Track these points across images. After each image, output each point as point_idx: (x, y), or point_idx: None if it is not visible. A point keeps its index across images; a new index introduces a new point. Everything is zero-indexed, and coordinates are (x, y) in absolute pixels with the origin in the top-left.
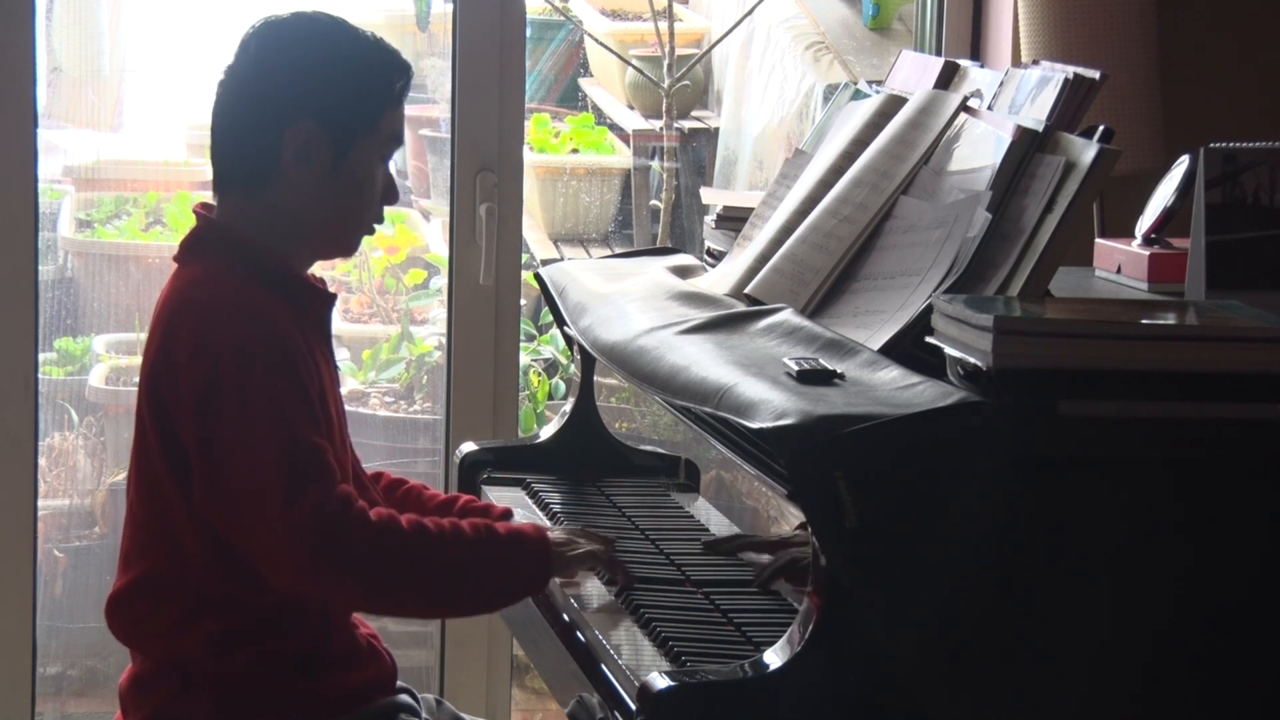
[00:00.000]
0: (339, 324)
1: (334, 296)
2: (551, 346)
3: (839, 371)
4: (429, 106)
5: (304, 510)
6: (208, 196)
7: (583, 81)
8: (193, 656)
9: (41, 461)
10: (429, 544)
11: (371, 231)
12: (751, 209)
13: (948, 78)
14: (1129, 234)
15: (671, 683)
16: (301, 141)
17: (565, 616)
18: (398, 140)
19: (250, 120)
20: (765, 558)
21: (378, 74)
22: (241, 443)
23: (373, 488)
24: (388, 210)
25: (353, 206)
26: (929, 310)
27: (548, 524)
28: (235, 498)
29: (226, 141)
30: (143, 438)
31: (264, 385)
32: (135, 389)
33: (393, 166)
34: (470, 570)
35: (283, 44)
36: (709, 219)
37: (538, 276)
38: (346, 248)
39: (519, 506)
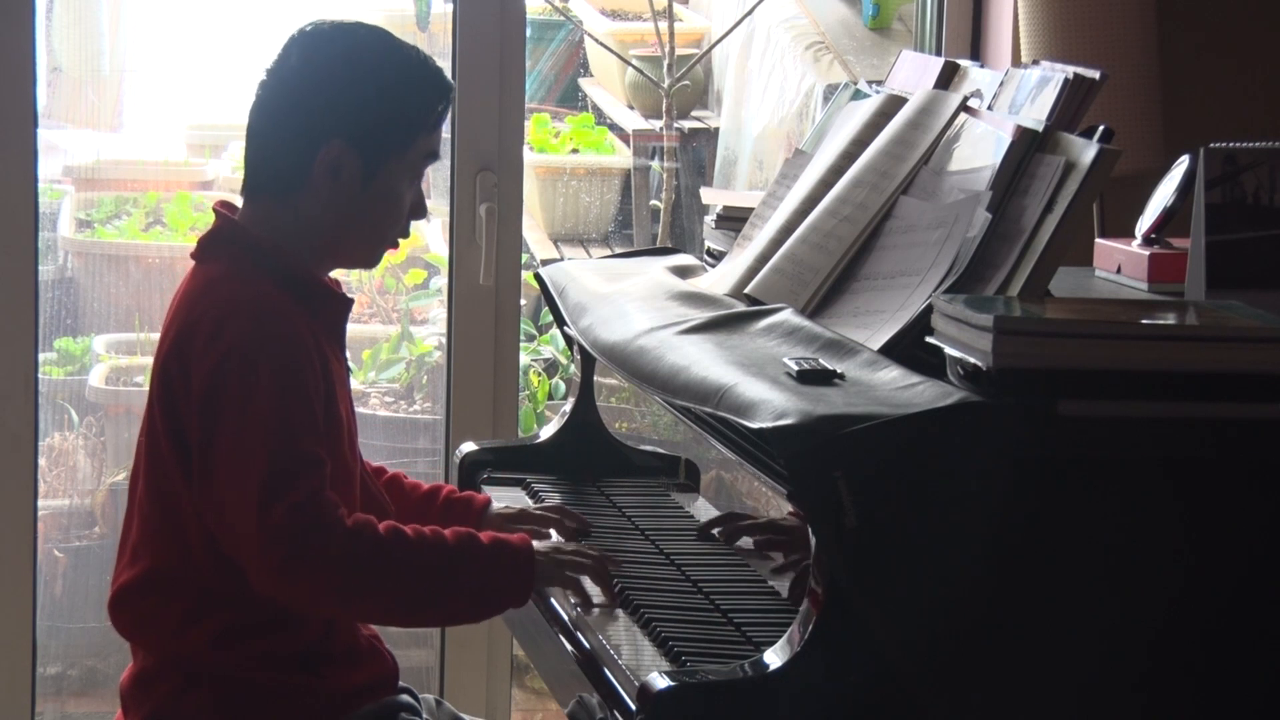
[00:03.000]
0: None
1: (350, 301)
2: (551, 346)
3: (839, 371)
4: None
5: (278, 513)
6: (208, 196)
7: (583, 81)
8: (195, 653)
9: (41, 461)
10: (405, 550)
11: (396, 246)
12: (751, 209)
13: (948, 78)
14: (1129, 234)
15: (671, 683)
16: (333, 159)
17: (565, 616)
18: (433, 157)
19: (285, 132)
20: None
21: (418, 98)
22: (233, 442)
23: (378, 491)
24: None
25: (379, 223)
26: (929, 310)
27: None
28: (221, 496)
29: (260, 148)
30: (152, 432)
31: (265, 388)
32: (135, 389)
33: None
34: (448, 578)
35: (325, 58)
36: (709, 219)
37: (538, 276)
38: (368, 261)
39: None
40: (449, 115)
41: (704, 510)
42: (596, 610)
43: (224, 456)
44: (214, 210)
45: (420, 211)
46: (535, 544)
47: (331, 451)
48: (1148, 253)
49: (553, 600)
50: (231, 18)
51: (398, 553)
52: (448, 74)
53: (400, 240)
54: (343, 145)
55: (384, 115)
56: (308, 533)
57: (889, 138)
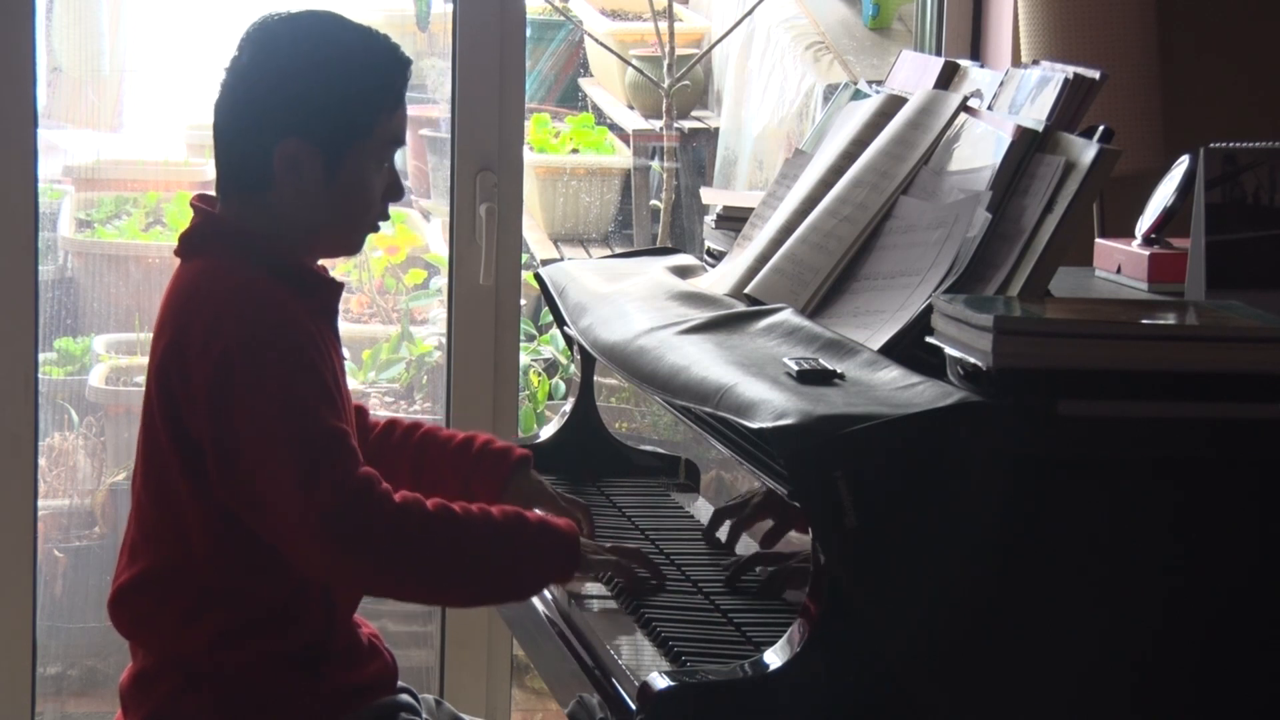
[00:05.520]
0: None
1: (341, 285)
2: (551, 346)
3: (839, 371)
4: (429, 106)
5: (323, 493)
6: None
7: (583, 81)
8: (195, 653)
9: (41, 461)
10: (454, 526)
11: (376, 229)
12: (751, 209)
13: (948, 78)
14: (1129, 234)
15: (671, 683)
16: (290, 157)
17: (565, 617)
18: (397, 142)
19: (241, 133)
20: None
21: (371, 82)
22: (257, 431)
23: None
24: (389, 210)
25: (351, 214)
26: (929, 310)
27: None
28: (255, 486)
29: (224, 147)
30: (151, 431)
31: (277, 374)
32: (135, 389)
33: (396, 160)
34: (496, 555)
35: (274, 54)
36: (709, 219)
37: (538, 276)
38: (349, 248)
39: None
40: (450, 112)
41: (704, 510)
42: (597, 609)
43: (250, 450)
44: (191, 205)
45: (396, 193)
46: (582, 540)
47: None
48: (1148, 253)
49: (553, 599)
50: (232, 18)
51: (447, 529)
52: (440, 67)
53: (381, 223)
54: (298, 143)
55: (338, 106)
56: (356, 510)
57: (889, 138)
